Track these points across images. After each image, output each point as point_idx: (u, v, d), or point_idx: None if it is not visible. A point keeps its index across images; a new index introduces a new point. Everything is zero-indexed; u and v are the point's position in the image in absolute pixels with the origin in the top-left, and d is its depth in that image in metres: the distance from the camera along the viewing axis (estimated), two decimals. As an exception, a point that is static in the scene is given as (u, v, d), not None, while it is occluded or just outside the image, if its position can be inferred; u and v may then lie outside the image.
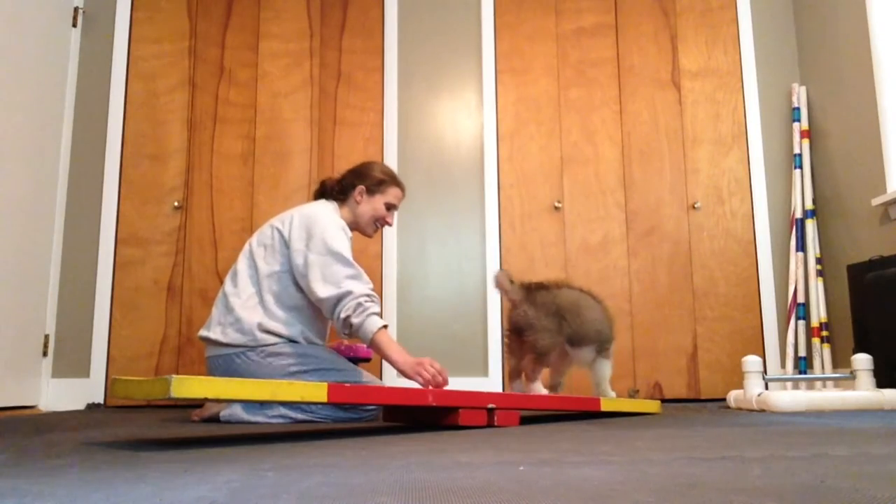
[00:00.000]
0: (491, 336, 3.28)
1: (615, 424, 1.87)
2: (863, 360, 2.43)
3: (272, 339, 2.20)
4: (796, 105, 3.42)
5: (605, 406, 2.17)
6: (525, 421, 2.01)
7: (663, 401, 3.20)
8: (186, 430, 1.84)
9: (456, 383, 3.23)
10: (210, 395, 1.37)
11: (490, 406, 1.84)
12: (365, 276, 2.17)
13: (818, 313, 3.17)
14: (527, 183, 3.42)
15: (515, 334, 2.29)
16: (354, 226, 2.42)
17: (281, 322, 2.19)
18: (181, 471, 1.03)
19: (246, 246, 2.32)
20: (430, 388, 1.94)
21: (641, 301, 3.32)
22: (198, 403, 2.55)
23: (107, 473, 1.02)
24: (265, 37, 3.51)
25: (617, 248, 3.37)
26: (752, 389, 2.47)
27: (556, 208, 3.39)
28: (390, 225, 2.48)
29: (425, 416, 1.89)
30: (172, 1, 3.49)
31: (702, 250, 3.37)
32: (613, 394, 2.40)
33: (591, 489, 0.84)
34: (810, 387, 3.10)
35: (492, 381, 3.25)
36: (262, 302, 2.20)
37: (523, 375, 2.30)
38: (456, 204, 3.42)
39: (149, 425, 2.00)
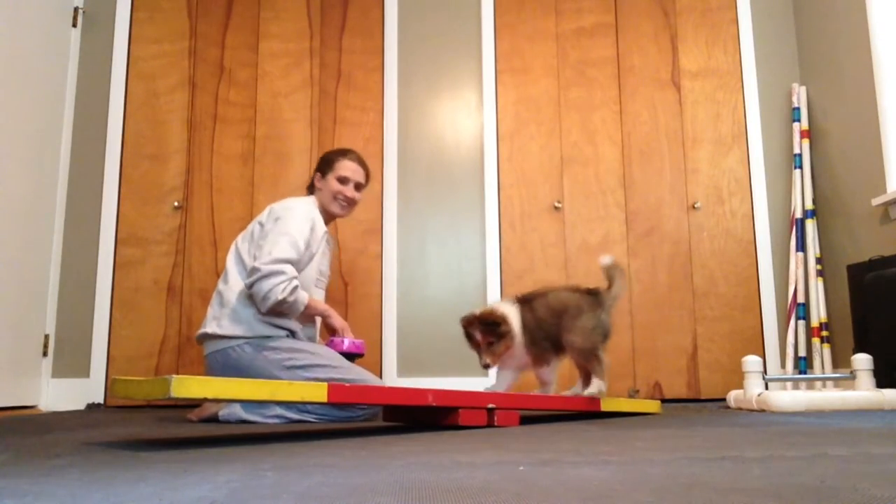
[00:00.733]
0: (491, 336, 3.28)
1: (615, 424, 1.87)
2: (863, 360, 2.43)
3: (269, 332, 2.25)
4: (796, 105, 3.42)
5: (606, 406, 2.17)
6: (525, 421, 2.01)
7: (663, 401, 3.20)
8: (186, 430, 1.84)
9: (456, 383, 3.23)
10: (209, 395, 1.37)
11: (490, 406, 1.84)
12: (301, 264, 2.29)
13: (818, 313, 3.17)
14: (527, 183, 3.42)
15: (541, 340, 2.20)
16: (326, 213, 2.50)
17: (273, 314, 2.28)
18: (181, 471, 1.03)
19: (232, 245, 2.43)
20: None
21: (641, 301, 3.32)
22: (196, 403, 2.56)
23: (107, 473, 1.02)
24: (265, 37, 3.51)
25: (617, 248, 3.37)
26: (752, 389, 2.47)
27: (556, 208, 3.39)
28: (349, 198, 2.49)
29: (425, 415, 1.89)
30: (172, 1, 3.49)
31: (702, 250, 3.37)
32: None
33: (591, 489, 0.84)
34: (810, 387, 3.10)
35: (492, 381, 3.25)
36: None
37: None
38: (456, 204, 3.41)
39: (149, 425, 2.00)
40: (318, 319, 2.48)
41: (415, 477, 0.95)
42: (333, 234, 3.35)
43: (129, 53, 3.44)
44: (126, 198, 3.33)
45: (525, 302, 2.20)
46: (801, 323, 3.21)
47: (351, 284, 3.34)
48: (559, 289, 2.30)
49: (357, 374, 2.25)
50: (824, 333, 3.15)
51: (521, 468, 1.02)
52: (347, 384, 1.62)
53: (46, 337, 3.19)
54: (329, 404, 2.12)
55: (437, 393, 1.75)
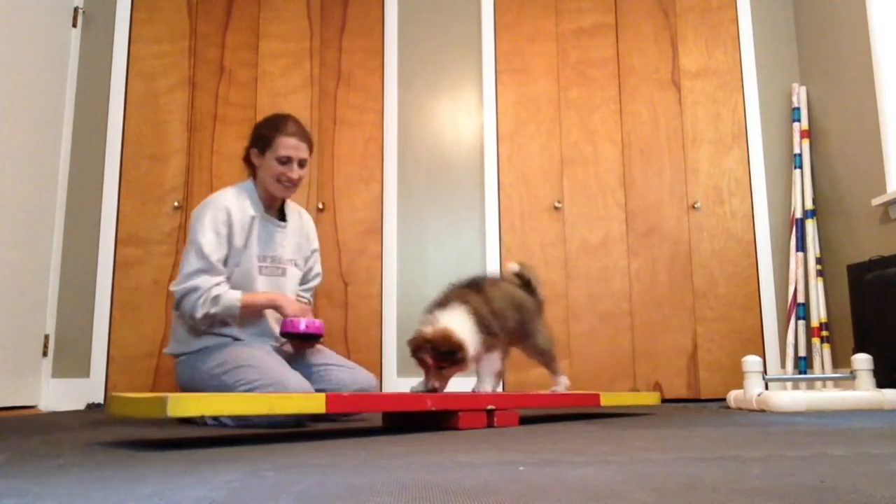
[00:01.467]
0: (491, 336, 3.28)
1: (615, 424, 1.87)
2: (863, 360, 2.43)
3: (205, 343, 2.13)
4: (796, 105, 3.42)
5: (605, 401, 2.15)
6: (525, 421, 2.01)
7: (663, 401, 3.20)
8: (186, 430, 1.84)
9: (455, 383, 3.22)
10: (207, 413, 1.38)
11: (489, 407, 1.84)
12: (218, 268, 2.11)
13: (818, 313, 3.17)
14: (527, 183, 3.42)
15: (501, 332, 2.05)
16: (266, 193, 2.28)
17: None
18: (181, 471, 1.03)
19: None
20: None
21: (641, 301, 3.32)
22: None
23: (107, 473, 1.02)
24: (265, 37, 3.51)
25: (617, 248, 3.37)
26: (752, 389, 2.47)
27: (556, 208, 3.39)
28: (293, 180, 2.24)
29: (424, 418, 1.89)
30: (172, 1, 3.49)
31: (702, 250, 3.37)
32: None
33: (591, 489, 0.84)
34: (810, 387, 3.10)
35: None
36: None
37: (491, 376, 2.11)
38: (456, 204, 3.41)
39: (149, 425, 2.00)
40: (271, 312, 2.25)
41: (415, 477, 0.95)
42: (333, 234, 3.36)
43: (129, 53, 3.44)
44: (126, 198, 3.32)
45: (475, 290, 2.00)
46: (801, 323, 3.21)
47: (351, 284, 3.34)
48: (502, 280, 2.16)
49: (274, 377, 2.01)
50: (824, 333, 3.15)
51: (521, 468, 1.02)
52: (345, 394, 1.63)
53: (46, 337, 3.19)
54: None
55: (435, 397, 1.75)
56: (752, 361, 2.52)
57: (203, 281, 2.08)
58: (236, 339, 2.16)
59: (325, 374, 2.23)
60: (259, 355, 2.11)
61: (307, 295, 2.48)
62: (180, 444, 1.44)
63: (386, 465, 1.09)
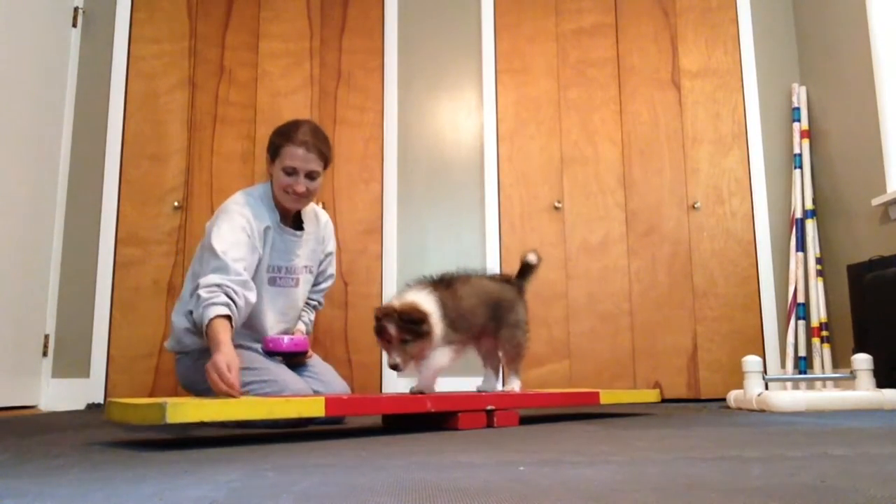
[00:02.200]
0: (491, 336, 3.28)
1: (615, 424, 1.87)
2: (863, 360, 2.43)
3: (201, 343, 1.97)
4: (796, 105, 3.42)
5: (605, 399, 2.15)
6: (525, 421, 2.00)
7: (663, 401, 3.20)
8: (186, 430, 1.84)
9: (455, 384, 3.23)
10: (205, 418, 1.37)
11: (489, 407, 1.84)
12: (232, 267, 1.91)
13: (818, 313, 3.17)
14: (527, 183, 3.42)
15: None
16: (280, 204, 2.17)
17: None
18: (181, 471, 1.03)
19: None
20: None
21: (641, 301, 3.32)
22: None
23: (107, 473, 1.02)
24: (265, 37, 3.51)
25: (617, 248, 3.37)
26: (752, 389, 2.47)
27: (556, 208, 3.39)
28: (299, 194, 2.11)
29: (424, 418, 1.89)
30: (172, 1, 3.49)
31: (702, 250, 3.37)
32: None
33: (591, 489, 0.84)
34: (810, 387, 3.10)
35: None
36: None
37: (489, 371, 2.14)
38: (456, 204, 3.41)
39: (149, 425, 2.00)
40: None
41: (415, 477, 0.95)
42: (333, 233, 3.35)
43: (129, 53, 3.43)
44: (126, 198, 3.32)
45: (444, 286, 1.92)
46: (801, 323, 3.21)
47: (351, 284, 3.34)
48: (480, 275, 2.08)
49: (273, 375, 1.99)
50: (824, 333, 3.15)
51: (521, 468, 1.02)
52: (345, 396, 1.63)
53: (46, 337, 3.19)
54: None
55: (435, 399, 1.75)
56: (752, 361, 2.52)
57: (205, 280, 1.91)
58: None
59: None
60: (255, 357, 2.09)
61: (318, 298, 2.42)
62: (180, 444, 1.44)
63: (386, 465, 1.09)
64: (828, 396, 2.35)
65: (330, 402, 1.56)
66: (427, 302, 1.84)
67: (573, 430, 1.71)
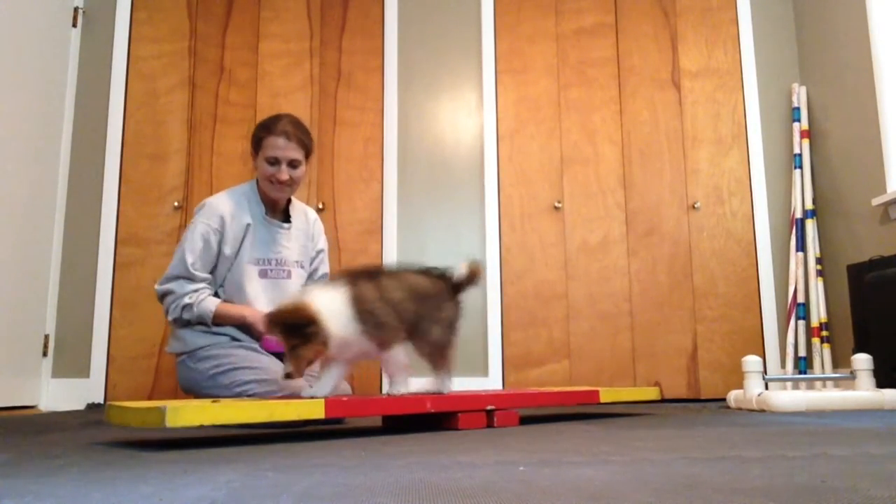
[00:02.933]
0: (491, 336, 3.28)
1: (615, 424, 1.87)
2: (863, 360, 2.43)
3: (205, 341, 2.14)
4: (796, 105, 3.42)
5: (605, 397, 2.14)
6: (525, 421, 2.00)
7: (663, 401, 3.20)
8: (186, 430, 1.84)
9: (455, 384, 3.22)
10: (205, 422, 1.38)
11: (489, 407, 1.84)
12: (196, 275, 2.12)
13: (818, 313, 3.17)
14: (527, 183, 3.42)
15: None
16: (266, 196, 2.27)
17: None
18: (181, 471, 1.03)
19: None
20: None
21: (641, 301, 3.32)
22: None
23: (107, 473, 1.02)
24: (265, 37, 3.51)
25: (617, 248, 3.37)
26: (752, 389, 2.47)
27: (556, 208, 3.39)
28: (282, 182, 2.19)
29: (424, 418, 1.89)
30: (172, 1, 3.49)
31: (702, 250, 3.37)
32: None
33: (591, 489, 0.84)
34: (810, 387, 3.10)
35: (492, 381, 3.25)
36: None
37: (391, 374, 1.89)
38: (456, 204, 3.41)
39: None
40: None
41: (415, 477, 0.95)
42: (333, 234, 3.35)
43: (129, 53, 3.43)
44: (126, 198, 3.32)
45: (367, 279, 1.79)
46: (801, 323, 3.21)
47: (351, 284, 3.33)
48: (411, 269, 1.94)
49: (273, 375, 2.04)
50: (824, 333, 3.15)
51: (521, 468, 1.02)
52: (344, 398, 1.63)
53: (46, 337, 3.19)
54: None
55: (434, 399, 1.75)
56: (752, 361, 2.52)
57: (178, 286, 2.13)
58: (234, 339, 2.16)
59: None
60: (255, 356, 2.11)
61: None
62: (180, 444, 1.44)
63: (386, 465, 1.09)
64: (828, 396, 2.35)
65: (329, 403, 1.56)
66: (331, 302, 1.68)
67: (573, 430, 1.71)
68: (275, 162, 2.19)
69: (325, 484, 0.90)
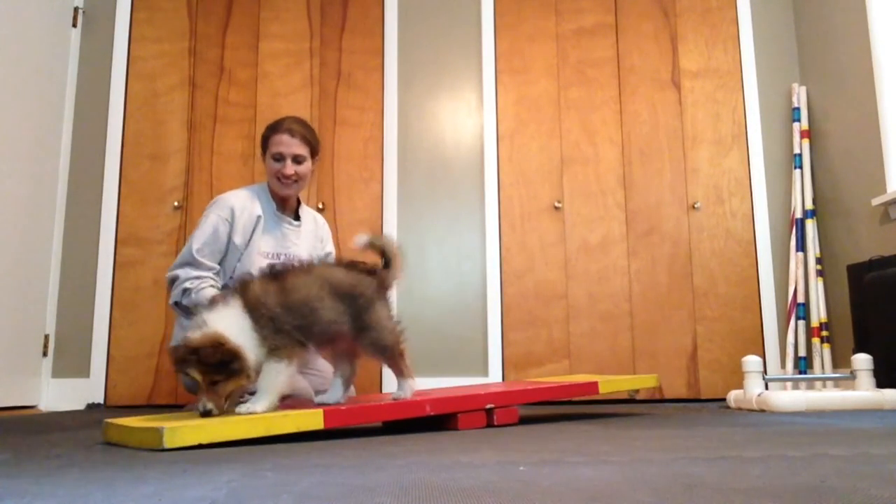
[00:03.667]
0: (491, 336, 3.28)
1: (615, 424, 1.87)
2: (863, 360, 2.43)
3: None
4: (796, 105, 3.41)
5: (604, 388, 2.12)
6: (525, 421, 2.00)
7: (663, 401, 3.20)
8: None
9: (456, 383, 3.23)
10: (203, 441, 1.39)
11: (489, 406, 1.84)
12: (203, 263, 2.22)
13: (818, 313, 3.17)
14: (527, 183, 3.42)
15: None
16: (276, 194, 2.38)
17: None
18: (181, 471, 1.03)
19: None
20: None
21: (641, 301, 3.32)
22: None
23: (107, 473, 1.02)
24: (265, 37, 3.51)
25: (617, 248, 3.37)
26: (752, 389, 2.47)
27: (556, 208, 3.39)
28: (287, 176, 2.30)
29: (424, 419, 1.89)
30: (172, 1, 3.48)
31: (702, 250, 3.37)
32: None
33: (591, 489, 0.84)
34: (810, 387, 3.10)
35: (491, 381, 3.25)
36: None
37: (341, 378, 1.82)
38: (456, 204, 3.41)
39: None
40: None
41: (415, 477, 0.95)
42: (333, 234, 3.35)
43: (129, 53, 3.43)
44: (126, 198, 3.32)
45: (270, 278, 1.67)
46: (801, 323, 3.21)
47: (351, 284, 3.33)
48: (331, 264, 1.81)
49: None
50: (824, 333, 3.15)
51: (521, 468, 1.02)
52: (343, 407, 1.63)
53: (46, 337, 3.19)
54: None
55: (434, 401, 1.74)
56: (752, 361, 2.52)
57: (184, 272, 2.21)
58: None
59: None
60: None
61: None
62: (180, 444, 1.44)
63: (386, 465, 1.09)
64: (828, 396, 2.35)
65: (328, 413, 1.56)
66: (234, 324, 1.56)
67: (573, 430, 1.71)
68: (280, 158, 2.29)
69: (326, 484, 0.90)
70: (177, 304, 2.22)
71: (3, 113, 2.87)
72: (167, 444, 1.33)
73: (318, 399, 1.83)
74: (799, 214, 3.31)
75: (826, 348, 3.14)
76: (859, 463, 1.03)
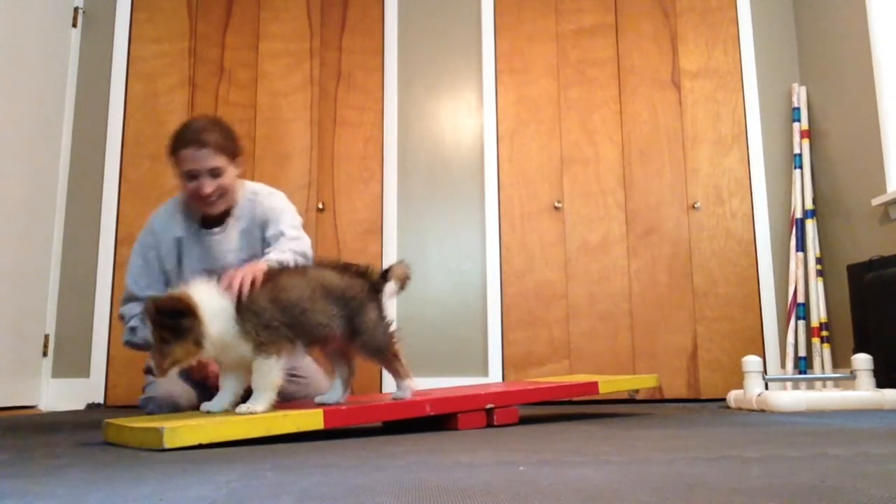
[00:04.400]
0: (491, 336, 3.28)
1: (615, 424, 1.87)
2: (863, 360, 2.43)
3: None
4: (796, 105, 3.41)
5: (604, 388, 2.12)
6: (525, 421, 2.00)
7: (663, 401, 3.20)
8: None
9: (456, 383, 3.22)
10: (203, 441, 1.40)
11: (489, 406, 1.83)
12: (142, 296, 1.96)
13: (818, 313, 3.17)
14: (527, 183, 3.42)
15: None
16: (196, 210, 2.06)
17: None
18: (181, 471, 1.03)
19: None
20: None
21: (641, 301, 3.32)
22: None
23: (107, 473, 1.02)
24: (265, 37, 3.51)
25: (617, 248, 3.37)
26: (752, 389, 2.47)
27: (556, 208, 3.39)
28: (204, 195, 1.93)
29: (424, 419, 1.89)
30: (172, 1, 3.49)
31: (702, 250, 3.37)
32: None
33: (591, 489, 0.84)
34: (810, 387, 3.10)
35: (491, 381, 3.25)
36: None
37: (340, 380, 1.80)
38: (456, 204, 3.41)
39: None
40: None
41: (415, 477, 0.95)
42: (333, 234, 3.36)
43: (129, 53, 3.43)
44: (126, 198, 3.32)
45: (265, 277, 1.66)
46: (801, 323, 3.21)
47: (351, 284, 3.33)
48: (324, 266, 1.78)
49: (163, 391, 2.00)
50: (824, 333, 3.15)
51: (521, 468, 1.02)
52: (343, 407, 1.63)
53: (46, 337, 3.19)
54: None
55: (434, 401, 1.74)
56: (752, 361, 2.52)
57: (128, 309, 2.06)
58: None
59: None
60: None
61: (285, 257, 1.92)
62: (180, 444, 1.44)
63: (386, 465, 1.09)
64: (828, 396, 2.35)
65: (328, 414, 1.56)
66: (212, 298, 1.55)
67: (573, 430, 1.71)
68: (193, 176, 1.93)
69: (326, 484, 0.90)
70: (129, 342, 2.05)
71: (2, 113, 2.86)
72: (167, 444, 1.34)
73: (318, 399, 1.81)
74: (799, 214, 3.31)
75: (826, 348, 3.14)
76: (859, 463, 1.03)
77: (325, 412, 1.56)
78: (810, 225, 3.28)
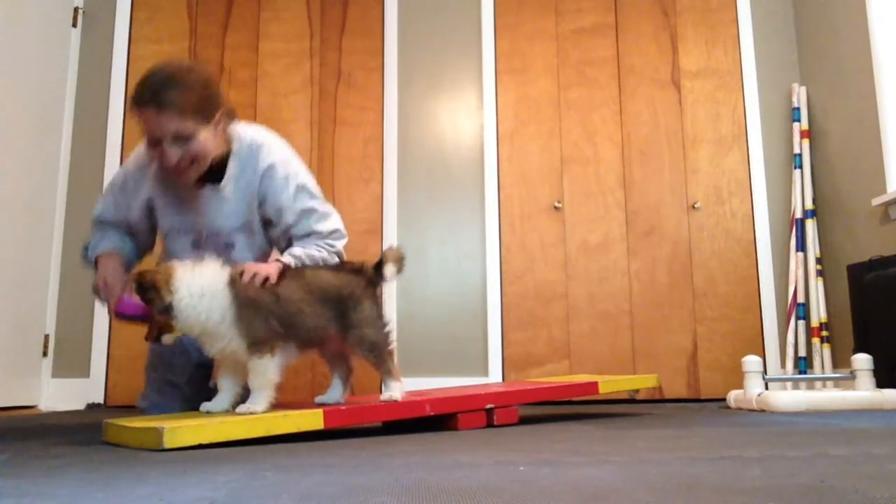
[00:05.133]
0: (491, 336, 3.28)
1: (615, 424, 1.87)
2: (863, 360, 2.43)
3: None
4: (796, 105, 3.41)
5: (604, 388, 2.12)
6: (525, 421, 2.00)
7: (663, 401, 3.20)
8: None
9: (456, 383, 3.22)
10: (203, 441, 1.40)
11: (489, 406, 1.83)
12: (105, 219, 1.89)
13: (818, 313, 3.17)
14: (527, 183, 3.42)
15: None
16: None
17: None
18: (181, 471, 1.03)
19: None
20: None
21: (641, 301, 3.32)
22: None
23: (107, 473, 1.02)
24: (265, 37, 3.51)
25: (617, 248, 3.37)
26: (752, 389, 2.47)
27: (556, 208, 3.39)
28: (170, 164, 1.66)
29: (423, 419, 1.89)
30: (172, 1, 3.49)
31: (702, 250, 3.37)
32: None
33: (591, 489, 0.84)
34: (810, 387, 3.10)
35: (491, 381, 3.25)
36: None
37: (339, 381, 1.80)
38: (456, 204, 3.41)
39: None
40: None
41: (415, 477, 0.95)
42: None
43: (129, 53, 3.43)
44: (126, 198, 3.32)
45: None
46: (801, 323, 3.21)
47: (351, 284, 3.33)
48: (320, 267, 1.79)
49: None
50: (824, 333, 3.15)
51: (521, 468, 1.02)
52: (343, 407, 1.62)
53: (46, 337, 3.19)
54: None
55: (434, 402, 1.74)
56: (752, 361, 2.52)
57: (91, 236, 1.95)
58: None
59: None
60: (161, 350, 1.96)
61: (315, 255, 1.81)
62: (180, 444, 1.44)
63: (386, 465, 1.09)
64: (828, 396, 2.35)
65: (328, 414, 1.56)
66: (207, 279, 1.53)
67: (573, 430, 1.71)
68: (155, 143, 1.63)
69: (326, 484, 0.90)
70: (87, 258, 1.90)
71: (2, 113, 2.87)
72: (167, 444, 1.34)
73: (318, 399, 1.81)
74: (799, 214, 3.31)
75: (826, 348, 3.14)
76: (859, 463, 1.03)
77: (325, 412, 1.56)
78: (810, 225, 3.28)
